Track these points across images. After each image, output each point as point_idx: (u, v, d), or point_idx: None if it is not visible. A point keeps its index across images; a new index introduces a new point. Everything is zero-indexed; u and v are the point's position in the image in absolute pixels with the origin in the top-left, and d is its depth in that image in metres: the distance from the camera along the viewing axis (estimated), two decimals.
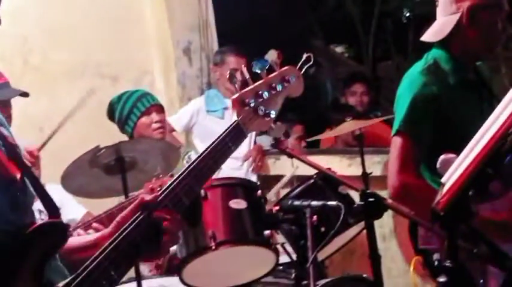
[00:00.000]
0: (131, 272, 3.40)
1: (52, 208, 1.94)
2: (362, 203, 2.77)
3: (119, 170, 3.70)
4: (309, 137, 6.21)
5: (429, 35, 3.33)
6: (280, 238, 3.76)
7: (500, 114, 1.96)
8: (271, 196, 4.51)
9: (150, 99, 4.38)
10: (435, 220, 1.98)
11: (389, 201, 2.86)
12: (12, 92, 4.23)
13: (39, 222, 1.91)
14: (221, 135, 2.04)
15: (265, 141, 5.52)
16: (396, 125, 3.26)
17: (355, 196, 3.07)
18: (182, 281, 3.36)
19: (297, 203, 3.60)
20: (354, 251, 5.19)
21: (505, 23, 3.32)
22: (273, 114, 2.14)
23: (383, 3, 9.87)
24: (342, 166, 5.38)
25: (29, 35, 5.83)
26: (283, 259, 3.62)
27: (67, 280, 1.85)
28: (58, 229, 1.92)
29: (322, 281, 3.73)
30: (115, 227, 1.97)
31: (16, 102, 4.32)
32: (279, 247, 3.56)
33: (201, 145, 5.59)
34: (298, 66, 2.25)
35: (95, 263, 1.85)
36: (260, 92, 2.12)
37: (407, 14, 9.73)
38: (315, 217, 3.48)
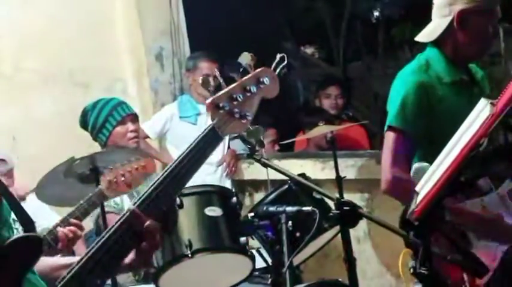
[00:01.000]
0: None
1: (27, 222, 1.95)
2: (337, 211, 2.78)
3: (94, 179, 3.69)
4: (282, 140, 6.24)
5: (423, 36, 3.41)
6: (255, 242, 3.78)
7: (471, 123, 1.99)
8: None
9: (125, 109, 4.36)
10: (410, 229, 2.01)
11: (363, 210, 2.88)
12: None
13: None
14: (196, 139, 2.04)
15: (238, 146, 5.54)
16: (388, 120, 3.34)
17: (330, 201, 3.08)
18: None
19: (271, 209, 3.63)
20: (328, 254, 5.22)
21: (497, 28, 3.37)
22: (249, 116, 2.13)
23: (353, 5, 9.91)
24: (316, 170, 5.41)
25: None
26: (259, 264, 3.64)
27: None
28: (33, 243, 1.92)
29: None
30: None
31: None
32: (254, 252, 3.58)
33: (174, 151, 5.60)
34: (272, 67, 2.24)
35: (72, 272, 1.85)
36: (234, 95, 2.10)
37: (377, 15, 9.77)
38: (290, 223, 3.51)
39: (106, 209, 3.76)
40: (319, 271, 5.28)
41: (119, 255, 1.91)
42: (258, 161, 3.05)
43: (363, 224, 5.32)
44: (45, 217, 4.68)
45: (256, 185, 5.84)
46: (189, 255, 3.29)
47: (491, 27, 3.34)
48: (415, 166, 2.15)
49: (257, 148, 2.91)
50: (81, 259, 1.87)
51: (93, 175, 3.68)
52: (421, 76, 3.32)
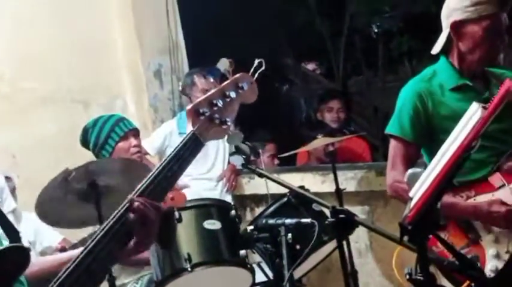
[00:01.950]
0: None
1: (12, 233, 1.94)
2: (332, 219, 2.79)
3: (93, 197, 3.68)
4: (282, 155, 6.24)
5: (434, 48, 3.49)
6: (256, 256, 3.77)
7: (464, 127, 2.00)
8: None
9: (127, 124, 4.37)
10: (404, 234, 2.01)
11: (360, 218, 2.89)
12: None
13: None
14: (177, 147, 2.03)
15: (238, 161, 5.54)
16: (387, 128, 3.52)
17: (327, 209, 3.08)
18: None
19: (271, 221, 3.62)
20: (330, 268, 5.21)
21: (503, 34, 3.35)
22: (229, 121, 2.14)
23: (352, 20, 9.96)
24: (316, 183, 5.41)
25: None
26: (260, 277, 3.63)
27: None
28: (19, 253, 1.91)
29: None
30: None
31: None
32: (255, 266, 3.57)
33: None
34: (250, 73, 2.25)
35: (67, 272, 1.84)
36: (214, 101, 2.11)
37: (376, 30, 9.79)
38: (289, 235, 3.50)
39: None
40: (322, 285, 5.27)
41: (123, 239, 1.88)
42: (253, 171, 3.05)
43: (364, 236, 5.31)
44: (46, 235, 4.69)
45: (257, 199, 5.83)
46: (189, 269, 3.27)
47: (491, 33, 3.32)
48: (409, 171, 2.16)
49: (252, 158, 2.91)
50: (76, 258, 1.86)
51: (91, 191, 3.68)
52: (420, 85, 3.43)
